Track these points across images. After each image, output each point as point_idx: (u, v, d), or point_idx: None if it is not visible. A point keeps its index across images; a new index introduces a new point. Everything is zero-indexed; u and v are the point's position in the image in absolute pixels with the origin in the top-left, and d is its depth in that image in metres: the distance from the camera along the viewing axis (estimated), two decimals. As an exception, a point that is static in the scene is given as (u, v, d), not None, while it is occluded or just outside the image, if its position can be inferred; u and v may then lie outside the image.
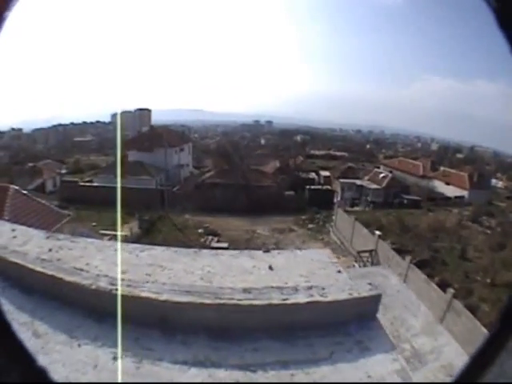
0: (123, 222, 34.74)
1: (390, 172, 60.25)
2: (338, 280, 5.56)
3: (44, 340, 4.65)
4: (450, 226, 37.20)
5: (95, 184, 48.63)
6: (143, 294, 4.73)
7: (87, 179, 53.70)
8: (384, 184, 53.35)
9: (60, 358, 4.39)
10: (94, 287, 4.89)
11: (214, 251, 7.03)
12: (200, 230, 35.72)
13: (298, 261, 6.37)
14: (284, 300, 4.56)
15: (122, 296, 4.69)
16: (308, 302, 4.59)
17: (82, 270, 5.44)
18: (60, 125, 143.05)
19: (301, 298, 4.63)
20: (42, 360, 4.56)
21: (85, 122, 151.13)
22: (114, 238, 28.01)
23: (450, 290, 17.22)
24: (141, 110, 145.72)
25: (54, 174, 59.66)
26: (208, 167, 60.66)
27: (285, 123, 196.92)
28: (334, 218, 36.84)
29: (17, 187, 26.79)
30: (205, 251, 6.75)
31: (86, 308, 4.96)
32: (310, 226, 38.83)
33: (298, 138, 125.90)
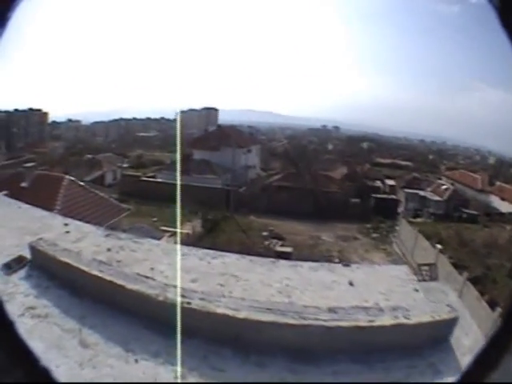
0: (186, 220, 39.12)
1: (452, 184, 66.50)
2: (416, 300, 6.01)
3: (93, 351, 4.98)
4: (502, 242, 39.84)
5: (158, 180, 54.86)
6: (219, 310, 5.00)
7: (150, 174, 59.63)
8: (445, 196, 59.67)
9: (111, 372, 4.67)
10: (161, 298, 5.23)
11: (292, 262, 7.61)
12: (264, 233, 39.79)
13: (377, 277, 6.88)
14: (370, 322, 4.94)
15: (194, 310, 5.00)
16: (393, 325, 5.04)
17: (146, 277, 5.78)
18: (122, 119, 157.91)
19: (386, 320, 5.03)
20: (88, 374, 4.57)
21: (149, 118, 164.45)
22: (175, 235, 31.31)
23: (499, 310, 18.34)
24: (208, 108, 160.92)
25: (115, 167, 67.37)
26: (275, 170, 67.00)
27: (351, 129, 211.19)
28: (397, 228, 41.79)
29: (72, 178, 30.24)
30: (282, 262, 7.23)
31: (146, 319, 5.31)
32: (374, 235, 43.49)
33: (365, 144, 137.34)
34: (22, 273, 6.79)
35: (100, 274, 5.70)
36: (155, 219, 39.28)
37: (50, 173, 35.76)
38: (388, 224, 46.10)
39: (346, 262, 7.69)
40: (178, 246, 7.80)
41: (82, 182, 34.10)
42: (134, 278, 5.67)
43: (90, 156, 68.28)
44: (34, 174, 30.85)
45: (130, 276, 5.74)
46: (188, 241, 31.82)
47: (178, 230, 30.41)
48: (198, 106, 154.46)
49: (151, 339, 5.04)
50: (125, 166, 71.27)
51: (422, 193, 61.28)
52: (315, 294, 5.73)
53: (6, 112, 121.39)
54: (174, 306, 5.03)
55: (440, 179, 73.94)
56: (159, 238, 28.08)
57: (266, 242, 36.79)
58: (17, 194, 25.19)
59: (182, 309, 4.96)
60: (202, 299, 5.18)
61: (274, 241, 37.48)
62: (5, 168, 57.83)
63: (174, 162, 59.86)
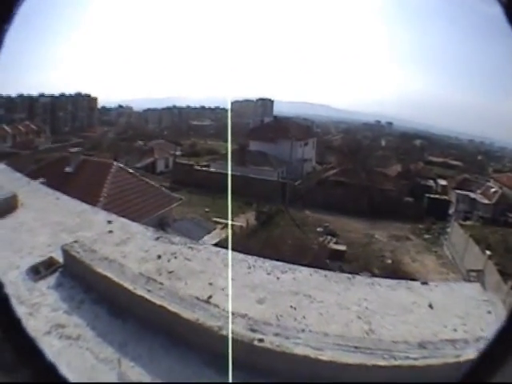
0: (240, 212, 42.62)
1: (500, 187, 67.88)
2: (489, 323, 5.59)
3: (137, 389, 4.39)
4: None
5: (212, 169, 57.96)
6: (299, 350, 4.38)
7: (204, 163, 63.42)
8: (494, 200, 61.83)
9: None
10: (225, 333, 4.52)
11: (369, 279, 7.05)
12: (319, 229, 42.57)
13: (453, 297, 6.38)
14: (457, 357, 4.46)
15: (268, 350, 4.37)
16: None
17: (207, 301, 5.14)
18: (175, 107, 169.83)
19: (471, 354, 4.42)
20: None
21: (203, 107, 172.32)
22: (227, 227, 32.42)
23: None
24: (263, 99, 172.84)
25: (167, 155, 70.94)
26: (331, 164, 71.27)
27: (404, 125, 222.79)
28: (448, 230, 45.25)
29: (121, 165, 31.48)
30: (359, 278, 6.69)
31: (206, 354, 4.61)
32: (426, 236, 46.58)
33: (417, 142, 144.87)
34: (52, 280, 6.19)
35: (148, 296, 5.00)
36: (207, 210, 41.69)
37: (98, 158, 37.37)
38: (440, 225, 48.92)
39: (423, 280, 7.18)
40: (241, 256, 6.98)
41: (132, 168, 36.03)
42: (191, 304, 4.95)
43: (141, 142, 74.50)
44: (80, 159, 31.62)
45: (187, 300, 5.01)
46: (241, 233, 34.53)
47: (230, 234, 30.55)
48: (253, 96, 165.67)
49: (211, 377, 4.38)
50: (178, 153, 74.07)
51: (472, 195, 63.92)
52: (396, 319, 5.28)
53: (52, 96, 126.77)
54: (241, 342, 4.39)
55: (488, 181, 76.03)
56: (211, 230, 30.30)
57: (321, 239, 38.86)
58: (60, 179, 26.63)
59: (252, 347, 4.33)
60: (276, 334, 4.53)
61: (329, 237, 39.87)
62: (49, 151, 60.95)
63: (230, 152, 63.01)
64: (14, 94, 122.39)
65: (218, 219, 35.73)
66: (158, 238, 7.11)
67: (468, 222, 52.13)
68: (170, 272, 5.93)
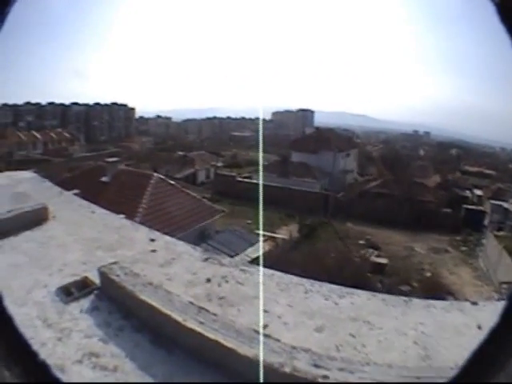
0: (282, 224, 43.92)
1: None
2: None
3: None
4: None
5: (254, 181, 58.97)
6: None
7: (246, 175, 64.56)
8: None
9: None
10: (287, 370, 4.14)
11: (424, 302, 6.87)
12: (361, 242, 43.83)
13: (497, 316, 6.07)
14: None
15: None
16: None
17: (266, 335, 4.78)
18: (216, 118, 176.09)
19: None
20: None
21: (243, 118, 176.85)
22: (271, 239, 33.36)
23: None
24: (303, 110, 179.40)
25: (208, 166, 73.23)
26: (372, 175, 73.30)
27: (441, 135, 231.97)
28: (484, 242, 46.86)
29: (162, 176, 31.57)
30: (415, 301, 6.60)
31: None
32: (463, 248, 47.89)
33: (454, 151, 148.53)
34: (86, 303, 5.83)
35: (200, 329, 4.57)
36: (249, 221, 42.25)
37: (137, 169, 38.26)
38: (476, 237, 50.44)
39: (473, 301, 6.87)
40: (296, 279, 6.68)
41: (172, 179, 36.84)
42: (249, 337, 4.51)
43: (181, 153, 75.77)
44: (118, 169, 32.12)
45: (243, 334, 4.57)
46: (284, 246, 34.71)
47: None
48: (293, 107, 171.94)
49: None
50: (219, 164, 76.81)
51: (505, 205, 64.23)
52: (449, 343, 5.14)
53: (86, 105, 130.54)
54: (304, 380, 4.03)
55: (520, 191, 76.62)
56: (254, 243, 29.90)
57: (363, 251, 40.16)
58: (95, 189, 27.02)
59: (315, 384, 3.86)
60: (341, 369, 4.18)
61: (370, 250, 41.28)
62: (84, 160, 62.16)
63: (270, 164, 65.57)
64: (43, 101, 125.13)
65: (260, 231, 35.73)
66: (206, 259, 6.85)
67: (502, 233, 53.08)
68: (221, 298, 5.67)
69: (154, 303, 5.10)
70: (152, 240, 7.79)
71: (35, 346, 4.92)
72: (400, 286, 31.68)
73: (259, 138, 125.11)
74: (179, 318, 4.76)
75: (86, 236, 8.09)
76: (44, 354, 4.77)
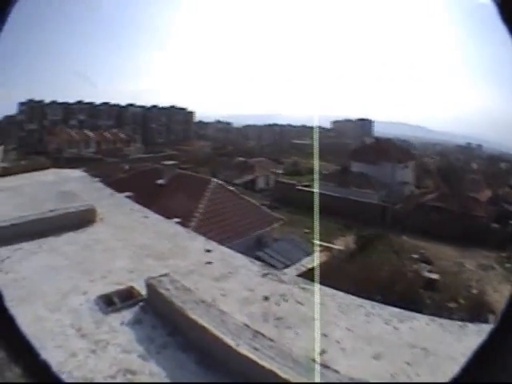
0: (339, 235, 43.69)
1: None
2: None
3: None
4: None
5: (314, 190, 56.73)
6: None
7: (306, 183, 63.35)
8: None
9: None
10: None
11: (477, 326, 6.67)
12: (415, 256, 43.02)
13: None
14: None
15: None
16: None
17: (325, 366, 4.54)
18: (276, 125, 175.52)
19: None
20: None
21: (304, 126, 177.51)
22: (327, 250, 32.89)
23: None
24: (362, 120, 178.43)
25: (268, 173, 72.46)
26: (428, 188, 71.91)
27: (492, 148, 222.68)
28: None
29: (220, 182, 31.24)
30: (470, 327, 6.45)
31: None
32: (507, 265, 46.41)
33: (503, 165, 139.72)
34: (128, 314, 5.63)
35: (254, 357, 4.22)
36: (307, 231, 41.26)
37: (195, 173, 37.50)
38: None
39: None
40: (358, 300, 6.47)
41: (231, 185, 36.78)
42: (306, 368, 4.24)
43: (241, 159, 75.62)
44: (174, 173, 32.07)
45: (300, 363, 4.27)
46: (340, 257, 34.20)
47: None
48: (352, 115, 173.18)
49: None
50: (279, 172, 76.25)
51: None
52: None
53: (143, 107, 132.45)
54: None
55: None
56: (310, 253, 29.05)
57: (415, 266, 39.55)
58: (150, 191, 27.04)
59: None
60: None
61: (423, 265, 40.65)
62: (140, 161, 62.94)
63: (331, 173, 66.42)
64: (97, 101, 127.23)
65: (317, 241, 34.58)
66: (265, 275, 6.62)
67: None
68: (279, 318, 5.43)
69: (204, 323, 4.81)
70: (208, 251, 7.54)
71: (62, 356, 4.62)
72: (448, 302, 31.45)
73: (318, 147, 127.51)
74: (232, 342, 4.46)
75: (136, 242, 7.89)
76: (72, 365, 4.57)
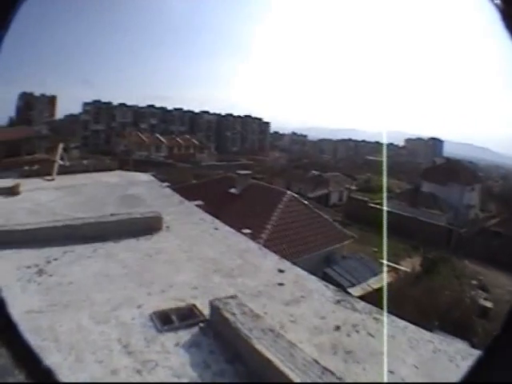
0: (406, 256, 44.12)
1: None
2: None
3: None
4: None
5: (385, 208, 56.59)
6: None
7: (378, 201, 63.60)
8: None
9: None
10: None
11: None
12: (473, 282, 42.90)
13: None
14: None
15: None
16: None
17: None
18: (351, 140, 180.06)
19: None
20: None
21: (377, 142, 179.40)
22: (394, 271, 33.64)
23: None
24: (433, 139, 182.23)
25: (342, 188, 74.07)
26: (491, 212, 72.02)
27: None
28: None
29: (295, 194, 31.63)
30: None
31: None
32: None
33: None
34: (186, 335, 5.29)
35: None
36: (376, 249, 41.60)
37: (269, 184, 38.50)
38: None
39: None
40: (428, 335, 6.21)
41: (305, 198, 37.21)
42: None
43: (316, 173, 76.70)
44: (248, 182, 32.49)
45: None
46: (405, 279, 34.34)
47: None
48: (423, 134, 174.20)
49: None
50: (353, 188, 77.79)
51: None
52: None
53: (218, 115, 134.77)
54: None
55: None
56: (378, 272, 30.00)
57: (473, 292, 39.50)
58: (222, 199, 27.67)
59: None
60: None
61: (479, 292, 40.73)
62: (213, 168, 64.07)
63: (403, 192, 68.31)
64: (170, 106, 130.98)
65: (384, 261, 35.47)
66: (338, 302, 6.33)
67: None
68: (348, 352, 5.17)
69: (270, 355, 4.48)
70: (281, 271, 7.23)
71: (101, 372, 4.55)
72: (494, 332, 30.89)
73: (392, 164, 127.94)
74: (297, 379, 4.18)
75: (203, 255, 7.64)
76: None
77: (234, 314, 5.16)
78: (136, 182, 15.71)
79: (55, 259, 7.36)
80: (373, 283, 27.23)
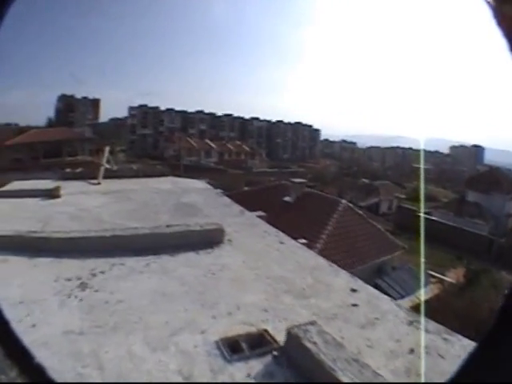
0: (451, 266, 43.43)
1: None
2: None
3: None
4: None
5: (433, 218, 59.33)
6: None
7: (426, 211, 62.46)
8: None
9: None
10: None
11: None
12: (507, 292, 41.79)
13: None
14: None
15: None
16: None
17: None
18: (399, 147, 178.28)
19: None
20: None
21: (424, 150, 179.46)
22: (439, 282, 33.82)
23: None
24: (476, 146, 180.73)
25: (391, 197, 74.20)
26: None
27: None
28: None
29: (350, 204, 31.70)
30: None
31: None
32: None
33: None
34: (258, 365, 4.69)
35: None
36: (424, 260, 38.84)
37: (323, 193, 38.03)
38: None
39: None
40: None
41: (357, 207, 37.49)
42: None
43: (366, 181, 78.61)
44: (302, 190, 32.35)
45: None
46: (450, 291, 33.94)
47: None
48: (466, 141, 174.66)
49: None
50: (402, 196, 77.72)
51: None
52: None
53: (268, 121, 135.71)
54: None
55: None
56: (425, 284, 30.21)
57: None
58: (276, 208, 27.05)
59: None
60: None
61: None
62: (264, 175, 64.40)
63: (450, 202, 68.91)
64: (219, 112, 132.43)
65: (432, 272, 36.27)
66: (411, 323, 6.08)
67: None
68: (419, 374, 4.95)
69: None
70: (353, 290, 6.73)
71: None
72: None
73: (438, 172, 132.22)
74: None
75: (272, 273, 7.05)
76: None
77: (315, 344, 4.62)
78: (191, 189, 15.21)
79: (102, 272, 6.80)
80: (420, 295, 27.27)
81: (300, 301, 5.94)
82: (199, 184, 16.71)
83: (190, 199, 13.11)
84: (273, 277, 6.76)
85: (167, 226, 8.01)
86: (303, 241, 15.02)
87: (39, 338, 4.63)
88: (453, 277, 39.03)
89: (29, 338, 4.43)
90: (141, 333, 5.06)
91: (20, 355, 2.27)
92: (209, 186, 16.43)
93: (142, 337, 4.98)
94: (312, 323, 4.98)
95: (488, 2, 1.75)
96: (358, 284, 7.08)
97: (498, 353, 1.90)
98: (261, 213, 13.21)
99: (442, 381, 4.73)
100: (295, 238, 9.92)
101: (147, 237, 7.82)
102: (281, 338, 4.98)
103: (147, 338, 4.92)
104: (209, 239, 7.78)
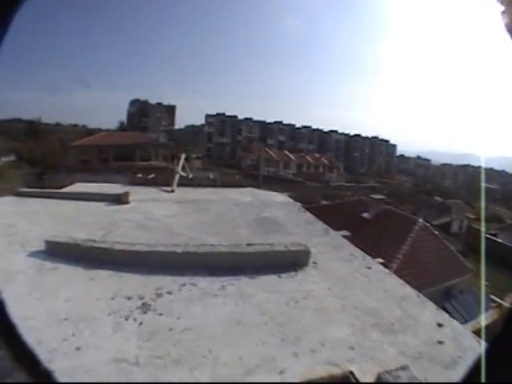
0: (509, 290, 40.77)
1: None
2: None
3: None
4: None
5: (499, 240, 57.55)
6: None
7: (493, 232, 62.53)
8: None
9: None
10: None
11: None
12: None
13: None
14: None
15: None
16: None
17: None
18: (470, 166, 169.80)
19: None
20: None
21: (492, 169, 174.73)
22: (499, 307, 30.75)
23: None
24: None
25: (463, 217, 73.16)
26: None
27: None
28: None
29: (426, 222, 30.82)
30: None
31: None
32: None
33: None
34: None
35: None
36: (487, 283, 39.00)
37: (400, 210, 37.77)
38: None
39: None
40: None
41: (429, 224, 36.46)
42: None
43: (440, 199, 78.94)
44: (381, 207, 32.15)
45: None
46: (503, 316, 32.40)
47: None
48: None
49: None
50: (472, 217, 76.50)
51: None
52: None
53: (346, 135, 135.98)
54: None
55: None
56: (487, 309, 29.13)
57: None
58: (354, 224, 26.47)
59: None
60: None
61: None
62: (342, 189, 64.20)
63: None
64: (298, 124, 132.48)
65: (495, 297, 33.78)
66: None
67: None
68: None
69: None
70: (439, 325, 6.01)
71: None
72: None
73: (504, 193, 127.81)
74: None
75: (359, 303, 6.30)
76: None
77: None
78: (271, 202, 14.49)
79: (168, 293, 6.10)
80: (481, 320, 26.36)
81: (387, 337, 5.29)
82: (280, 197, 16.03)
83: (271, 214, 12.37)
84: (360, 308, 6.06)
85: (248, 245, 7.30)
86: (380, 260, 14.47)
87: (83, 364, 4.15)
88: (509, 302, 36.32)
89: (70, 362, 4.12)
90: (209, 369, 4.34)
91: (27, 360, 2.32)
92: (290, 200, 15.70)
93: (209, 374, 4.27)
94: (403, 368, 4.46)
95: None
96: (444, 317, 6.41)
97: (508, 354, 1.91)
98: (346, 232, 12.55)
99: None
100: (372, 258, 9.24)
101: (224, 255, 7.09)
102: (366, 379, 4.33)
103: (216, 375, 4.20)
104: (293, 261, 7.09)
